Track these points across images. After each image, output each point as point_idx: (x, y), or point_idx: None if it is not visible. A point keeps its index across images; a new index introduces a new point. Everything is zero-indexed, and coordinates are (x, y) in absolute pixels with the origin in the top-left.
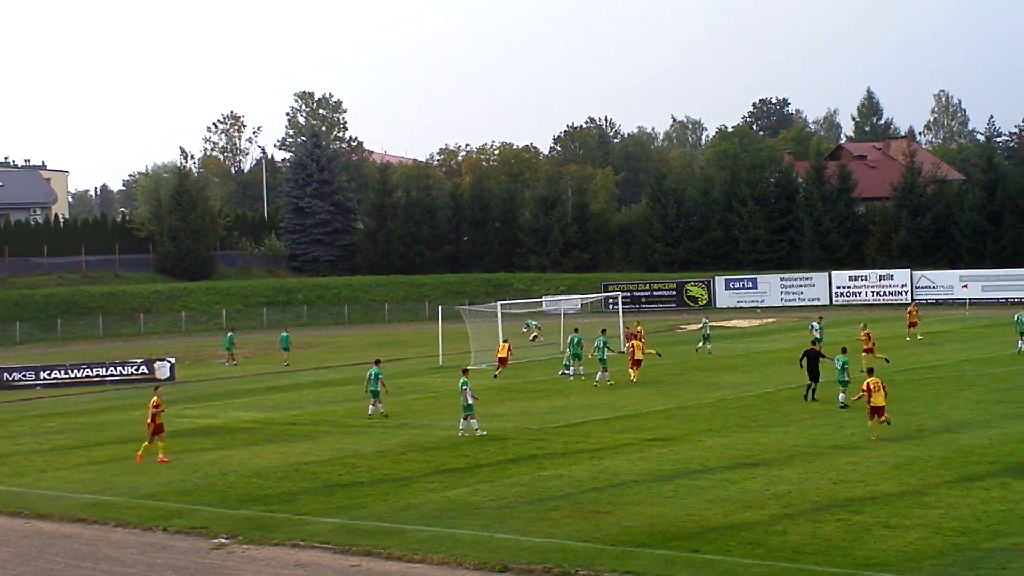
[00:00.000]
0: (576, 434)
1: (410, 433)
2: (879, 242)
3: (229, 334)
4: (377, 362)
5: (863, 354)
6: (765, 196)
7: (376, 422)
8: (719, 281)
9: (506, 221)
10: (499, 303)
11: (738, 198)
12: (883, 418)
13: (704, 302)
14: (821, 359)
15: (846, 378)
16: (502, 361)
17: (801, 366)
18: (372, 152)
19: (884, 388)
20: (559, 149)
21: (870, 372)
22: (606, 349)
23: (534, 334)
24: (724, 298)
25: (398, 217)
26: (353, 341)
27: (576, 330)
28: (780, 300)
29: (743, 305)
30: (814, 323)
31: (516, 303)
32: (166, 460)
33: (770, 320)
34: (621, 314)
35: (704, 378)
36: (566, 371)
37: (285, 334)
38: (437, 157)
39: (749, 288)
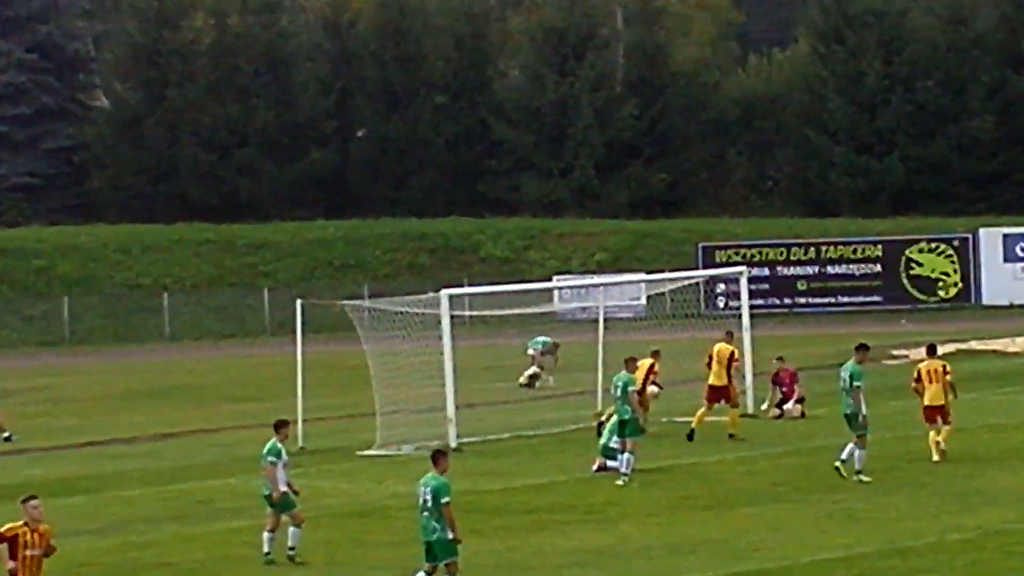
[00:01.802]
0: None
1: None
2: None
3: None
4: (280, 426)
5: None
6: None
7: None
8: (990, 238)
9: (465, 91)
10: (445, 293)
11: None
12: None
13: (952, 291)
14: None
15: None
16: None
17: None
18: None
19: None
20: None
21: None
22: (629, 394)
23: (533, 370)
24: (1001, 281)
25: (190, 81)
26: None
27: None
28: None
29: None
30: None
31: (489, 292)
32: None
33: None
34: (747, 318)
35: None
36: (610, 460)
37: None
38: None
39: None
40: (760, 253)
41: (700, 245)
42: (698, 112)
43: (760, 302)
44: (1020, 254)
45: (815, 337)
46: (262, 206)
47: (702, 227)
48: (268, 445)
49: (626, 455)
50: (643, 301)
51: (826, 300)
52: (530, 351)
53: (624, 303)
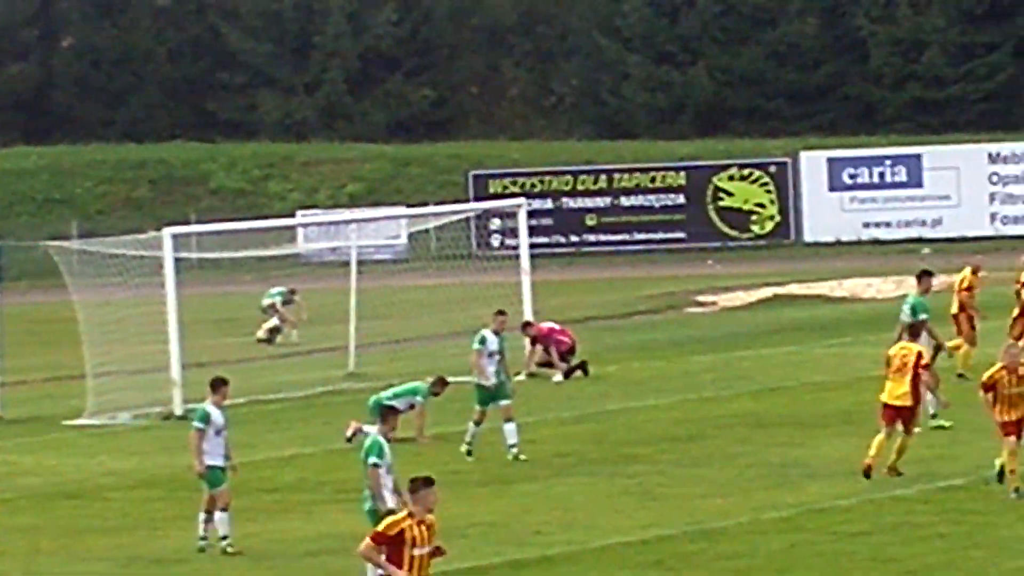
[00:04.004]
0: None
1: None
2: None
3: None
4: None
5: None
6: None
7: None
8: (812, 163)
9: None
10: (168, 231)
11: None
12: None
13: (768, 225)
14: None
15: None
16: None
17: None
18: None
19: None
20: None
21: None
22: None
23: (273, 323)
24: (825, 213)
25: None
26: None
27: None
28: (989, 223)
29: (879, 234)
30: None
31: (221, 231)
32: None
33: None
34: (526, 259)
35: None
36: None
37: None
38: None
39: (894, 185)
40: (542, 182)
41: (471, 173)
42: (468, 16)
43: (543, 240)
44: (848, 181)
45: (607, 281)
46: None
47: (473, 152)
48: None
49: (510, 424)
50: (404, 240)
51: (620, 237)
52: (266, 302)
53: (381, 242)
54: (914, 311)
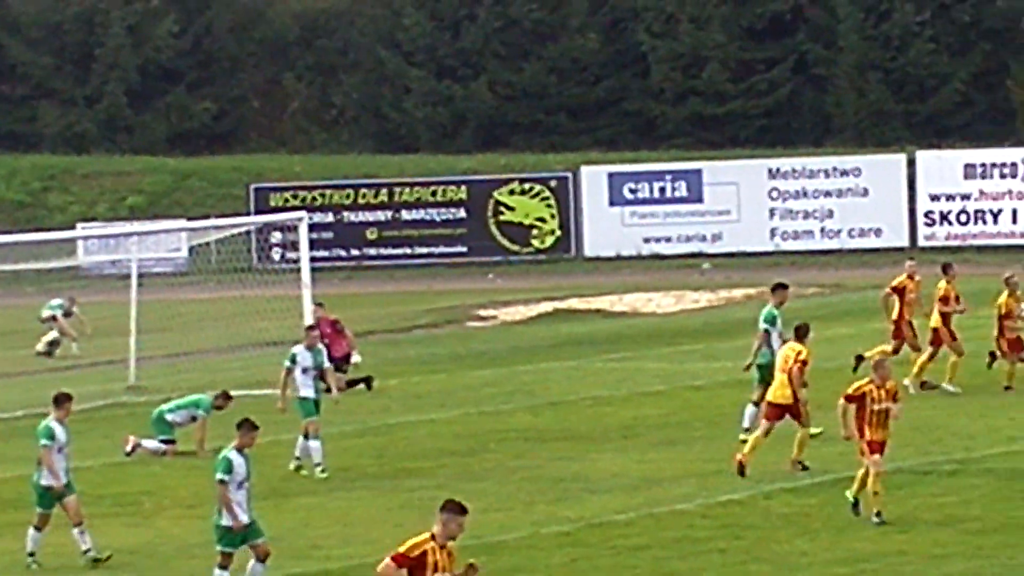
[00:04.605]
0: None
1: None
2: None
3: None
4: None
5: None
6: None
7: None
8: (593, 178)
9: None
10: None
11: None
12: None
13: (549, 240)
14: None
15: None
16: None
17: None
18: None
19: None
20: None
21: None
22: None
23: (53, 335)
24: (605, 228)
25: None
26: None
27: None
28: (769, 238)
29: (659, 249)
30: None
31: None
32: None
33: (747, 291)
34: (307, 273)
35: None
36: (146, 440)
37: None
38: None
39: (674, 200)
40: (323, 196)
41: (252, 186)
42: (250, 30)
43: (323, 253)
44: (628, 196)
45: (388, 295)
46: None
47: (254, 165)
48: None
49: (315, 442)
50: (184, 253)
51: (401, 251)
52: (45, 313)
53: (162, 255)
54: (767, 322)
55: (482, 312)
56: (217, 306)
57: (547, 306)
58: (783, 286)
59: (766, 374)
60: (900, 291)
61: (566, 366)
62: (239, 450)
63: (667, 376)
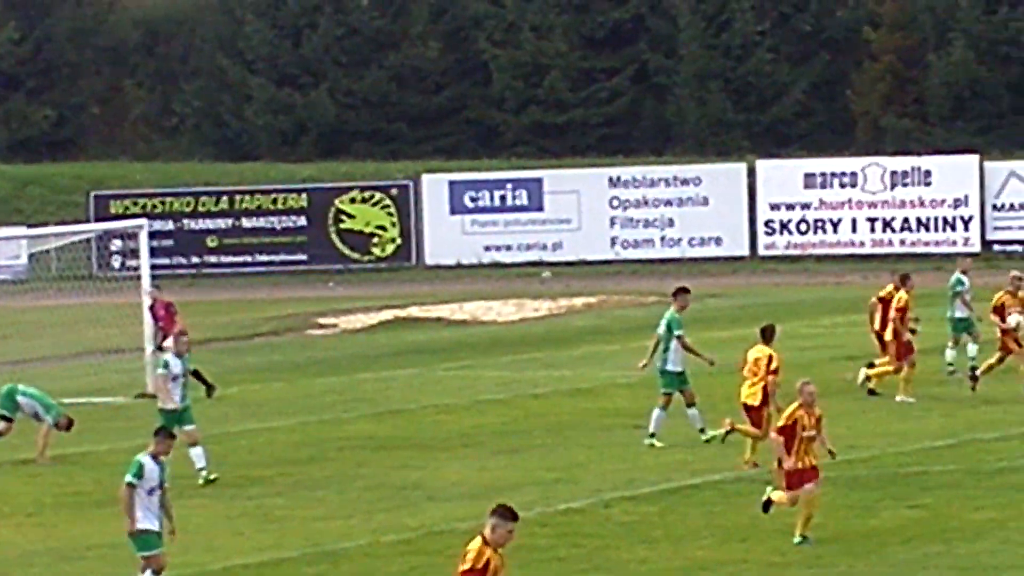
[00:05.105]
0: None
1: None
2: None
3: None
4: None
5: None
6: None
7: None
8: (434, 186)
9: None
10: None
11: None
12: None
13: (390, 248)
14: None
15: None
16: None
17: None
18: None
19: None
20: None
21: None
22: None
23: None
24: (446, 236)
25: None
26: None
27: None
28: (610, 247)
29: (500, 258)
30: None
31: None
32: None
33: (587, 300)
34: (147, 280)
35: None
36: None
37: None
38: None
39: (515, 208)
40: (163, 203)
41: (92, 193)
42: (90, 36)
43: (164, 261)
44: (469, 205)
45: (228, 303)
46: None
47: (95, 172)
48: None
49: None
50: (24, 260)
51: (242, 259)
52: None
53: (1, 263)
54: (669, 327)
55: (323, 320)
56: (57, 313)
57: (388, 314)
58: (685, 290)
59: (672, 380)
60: (886, 301)
61: (407, 374)
62: (154, 457)
63: (508, 384)
